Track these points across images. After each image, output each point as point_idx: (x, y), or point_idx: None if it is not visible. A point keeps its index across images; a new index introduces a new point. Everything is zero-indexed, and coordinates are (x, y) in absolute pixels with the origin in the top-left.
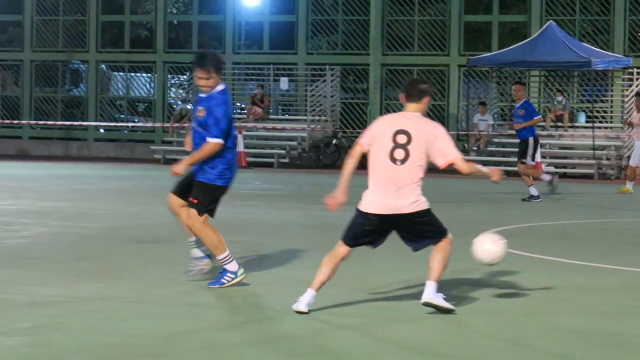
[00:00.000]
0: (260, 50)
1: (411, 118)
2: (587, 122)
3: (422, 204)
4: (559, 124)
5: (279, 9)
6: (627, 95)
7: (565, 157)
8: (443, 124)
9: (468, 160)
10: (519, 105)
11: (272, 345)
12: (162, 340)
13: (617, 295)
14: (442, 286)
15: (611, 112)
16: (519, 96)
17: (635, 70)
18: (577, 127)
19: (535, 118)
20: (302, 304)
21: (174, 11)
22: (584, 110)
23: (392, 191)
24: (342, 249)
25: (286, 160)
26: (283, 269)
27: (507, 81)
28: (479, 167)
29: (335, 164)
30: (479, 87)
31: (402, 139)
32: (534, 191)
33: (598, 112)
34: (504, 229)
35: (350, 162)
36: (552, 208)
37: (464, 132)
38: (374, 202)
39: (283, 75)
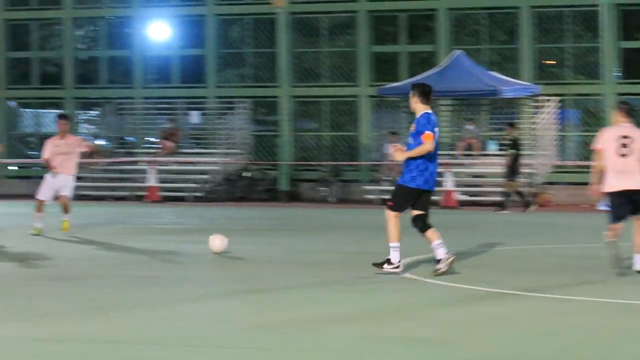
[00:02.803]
0: (170, 84)
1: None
2: (497, 150)
3: None
4: (470, 152)
5: (187, 42)
6: (536, 123)
7: (477, 185)
8: (354, 154)
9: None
10: None
11: None
12: None
13: (528, 321)
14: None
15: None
16: None
17: (543, 97)
18: (488, 155)
19: None
20: None
21: (82, 47)
22: (493, 139)
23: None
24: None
25: (200, 194)
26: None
27: None
28: None
29: (249, 197)
30: (389, 117)
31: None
32: None
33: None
34: (418, 259)
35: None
36: (465, 236)
37: (377, 162)
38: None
39: (194, 109)
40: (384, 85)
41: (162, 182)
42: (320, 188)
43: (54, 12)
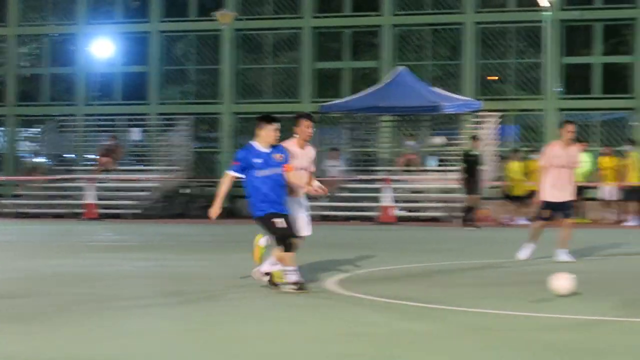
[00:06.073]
0: (113, 101)
1: None
2: (437, 165)
3: None
4: (410, 168)
5: (130, 59)
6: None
7: (416, 201)
8: None
9: None
10: None
11: None
12: None
13: (465, 338)
14: None
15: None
16: None
17: (484, 113)
18: (428, 170)
19: None
20: None
21: (25, 64)
22: (434, 154)
23: None
24: None
25: (138, 211)
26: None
27: (359, 127)
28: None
29: (186, 214)
30: (331, 133)
31: None
32: None
33: (449, 155)
34: (350, 275)
35: None
36: (403, 252)
37: (319, 179)
38: None
39: (135, 126)
40: (327, 101)
41: (100, 199)
42: None
43: None
